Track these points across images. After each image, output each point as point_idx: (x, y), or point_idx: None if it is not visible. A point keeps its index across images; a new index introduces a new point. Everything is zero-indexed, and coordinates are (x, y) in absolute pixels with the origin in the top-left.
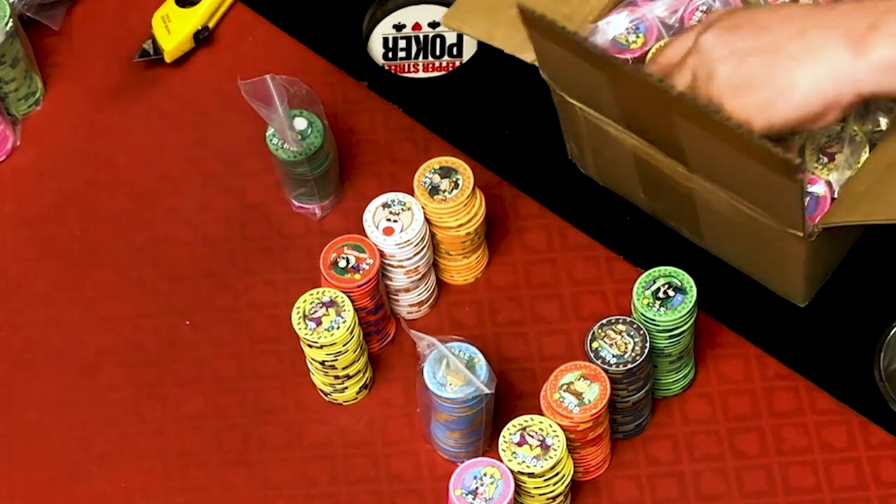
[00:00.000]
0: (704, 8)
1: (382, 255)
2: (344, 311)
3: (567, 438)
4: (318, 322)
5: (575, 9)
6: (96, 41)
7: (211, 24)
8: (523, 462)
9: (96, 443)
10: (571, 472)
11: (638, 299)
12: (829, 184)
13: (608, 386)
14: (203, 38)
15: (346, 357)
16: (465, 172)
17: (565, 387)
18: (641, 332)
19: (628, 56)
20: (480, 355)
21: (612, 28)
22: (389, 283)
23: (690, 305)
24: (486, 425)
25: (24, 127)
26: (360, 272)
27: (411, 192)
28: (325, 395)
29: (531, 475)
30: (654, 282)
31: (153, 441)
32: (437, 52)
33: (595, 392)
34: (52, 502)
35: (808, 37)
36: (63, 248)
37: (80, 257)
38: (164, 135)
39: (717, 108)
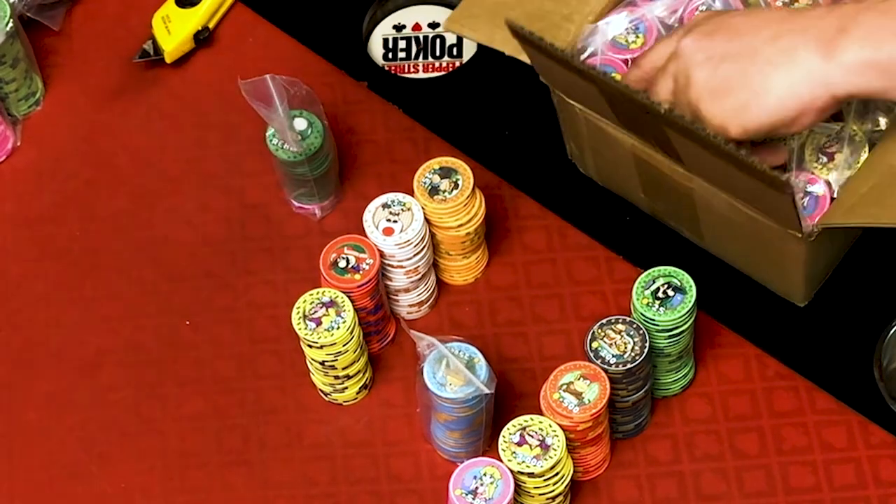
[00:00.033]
0: (704, 8)
1: (382, 255)
2: (344, 311)
3: (567, 438)
4: (318, 322)
5: (574, 9)
6: (96, 41)
7: (211, 25)
8: (523, 462)
9: (96, 443)
10: (571, 471)
11: (637, 299)
12: (828, 184)
13: (608, 386)
14: (203, 38)
15: (346, 357)
16: (464, 173)
17: (565, 387)
18: (641, 331)
19: (628, 56)
20: (480, 355)
21: (612, 28)
22: (389, 283)
23: (690, 305)
24: (486, 425)
25: (24, 127)
26: (360, 272)
27: (411, 193)
28: (325, 395)
29: (531, 475)
30: (654, 282)
31: (153, 441)
32: (437, 53)
33: (595, 392)
34: (52, 502)
35: (782, 41)
36: (63, 248)
37: (80, 257)
38: (164, 135)
39: (704, 126)
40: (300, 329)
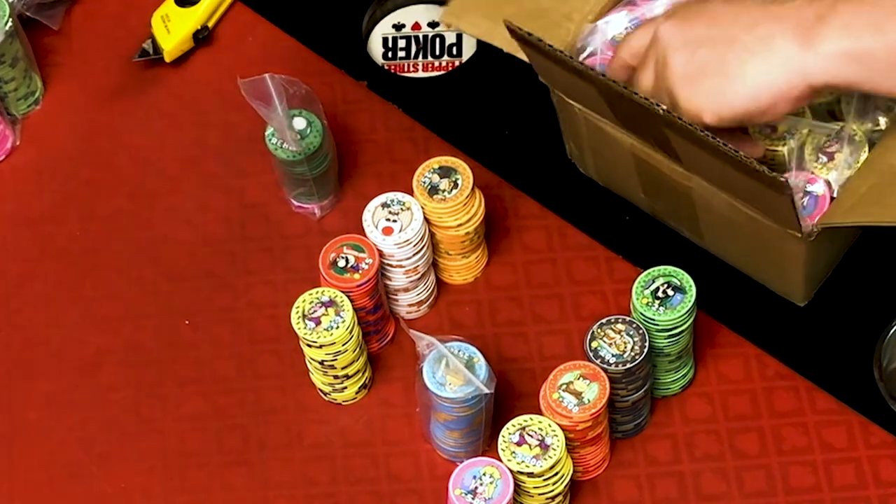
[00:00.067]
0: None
1: (382, 254)
2: (343, 310)
3: (566, 438)
4: (318, 322)
5: (574, 7)
6: (96, 41)
7: (210, 24)
8: (523, 462)
9: (96, 443)
10: (570, 471)
11: (637, 299)
12: (828, 183)
13: (607, 385)
14: (203, 37)
15: (346, 357)
16: (464, 172)
17: (565, 386)
18: (641, 331)
19: None
20: (480, 355)
21: (612, 27)
22: (389, 282)
23: (690, 305)
24: (486, 425)
25: (24, 126)
26: (360, 272)
27: (411, 192)
28: (325, 394)
29: (530, 475)
30: (654, 281)
31: (153, 441)
32: (437, 52)
33: (594, 391)
34: (52, 502)
35: (759, 29)
36: (63, 248)
37: (80, 257)
38: (164, 134)
39: (679, 113)
40: (299, 329)
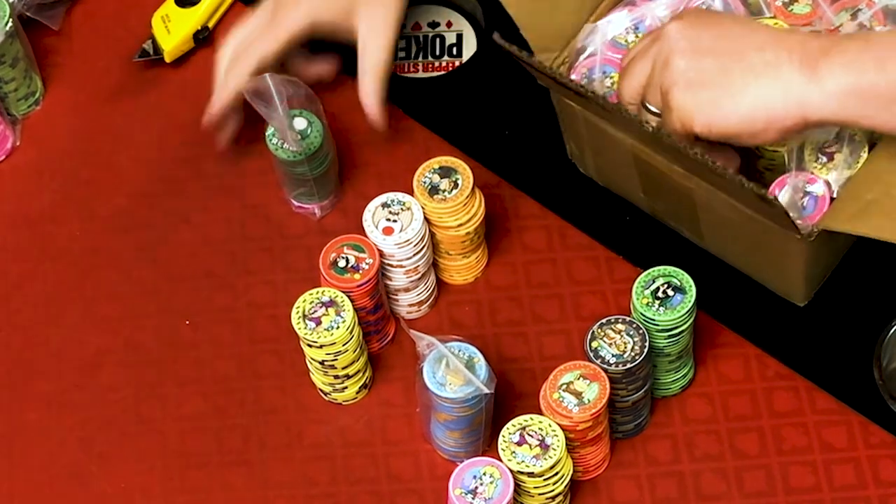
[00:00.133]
0: (703, 7)
1: (382, 254)
2: (343, 310)
3: (566, 438)
4: (318, 322)
5: (568, 5)
6: (96, 41)
7: (211, 24)
8: (523, 461)
9: (96, 443)
10: (571, 471)
11: (637, 299)
12: (828, 183)
13: (607, 385)
14: (203, 38)
15: (346, 357)
16: (464, 172)
17: (565, 386)
18: (641, 331)
19: None
20: (480, 355)
21: (612, 28)
22: (389, 282)
23: (690, 305)
24: (486, 425)
25: (24, 127)
26: (360, 272)
27: (411, 192)
28: (325, 394)
29: (531, 475)
30: (654, 281)
31: (153, 441)
32: (437, 52)
33: (594, 391)
34: (52, 502)
35: (768, 52)
36: (63, 248)
37: (80, 257)
38: (164, 135)
39: (668, 113)
40: (300, 329)
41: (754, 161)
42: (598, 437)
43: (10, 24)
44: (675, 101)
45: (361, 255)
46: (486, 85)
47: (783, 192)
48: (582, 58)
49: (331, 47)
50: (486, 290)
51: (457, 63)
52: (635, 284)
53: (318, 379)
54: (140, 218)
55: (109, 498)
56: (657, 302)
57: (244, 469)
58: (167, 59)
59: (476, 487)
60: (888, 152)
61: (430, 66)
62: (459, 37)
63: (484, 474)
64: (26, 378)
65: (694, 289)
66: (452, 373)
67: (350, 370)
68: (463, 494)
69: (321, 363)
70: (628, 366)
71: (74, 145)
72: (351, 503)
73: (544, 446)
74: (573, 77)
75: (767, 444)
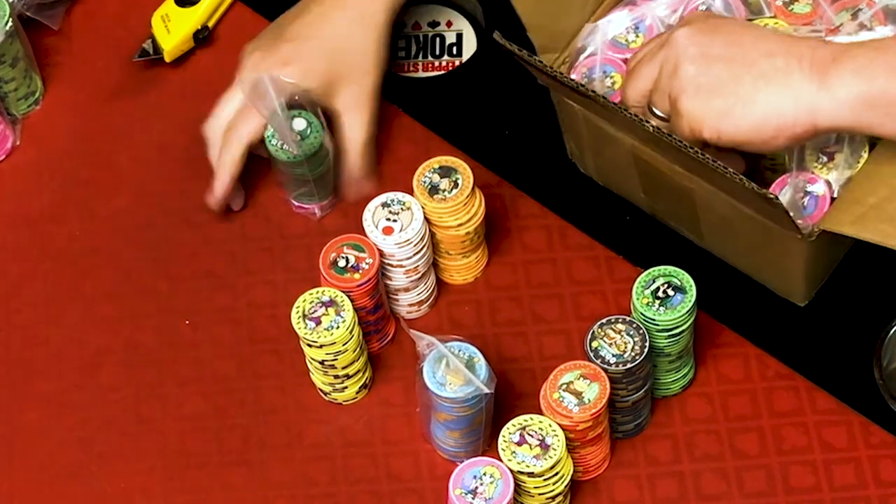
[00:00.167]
0: (704, 7)
1: (382, 254)
2: (343, 310)
3: (567, 438)
4: (318, 322)
5: (574, 6)
6: (96, 41)
7: (211, 24)
8: (523, 461)
9: (96, 443)
10: (571, 471)
11: (637, 299)
12: (828, 183)
13: (608, 385)
14: (203, 37)
15: (346, 356)
16: (464, 172)
17: (565, 386)
18: (641, 331)
19: (628, 55)
20: (480, 355)
21: (613, 27)
22: (389, 282)
23: (690, 305)
24: (486, 425)
25: (24, 126)
26: (360, 272)
27: (411, 192)
28: (325, 394)
29: (531, 475)
30: (654, 281)
31: (153, 441)
32: (437, 52)
33: (595, 391)
34: (52, 502)
35: (778, 59)
36: (63, 248)
37: (80, 257)
38: (164, 135)
39: (677, 119)
40: (300, 328)
41: (758, 162)
42: (599, 437)
43: (10, 23)
44: (684, 108)
45: (361, 254)
46: (486, 85)
47: (784, 192)
48: (582, 57)
49: None
50: (486, 289)
51: (457, 63)
52: (635, 284)
53: (318, 379)
54: (140, 218)
55: (109, 498)
56: (657, 302)
57: (244, 469)
58: (167, 59)
59: (476, 487)
60: (891, 153)
61: (430, 65)
62: (459, 36)
63: (484, 474)
64: (26, 378)
65: (694, 289)
66: (452, 373)
67: (350, 370)
68: (463, 494)
69: (321, 363)
70: (628, 366)
71: (74, 145)
72: (351, 503)
73: (544, 446)
74: (573, 76)
75: (767, 444)
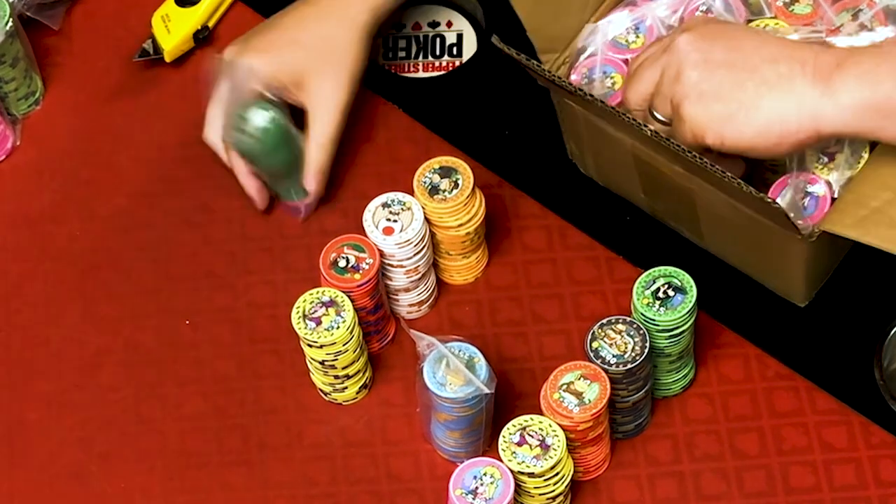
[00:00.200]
0: (704, 8)
1: (382, 254)
2: (344, 310)
3: (567, 438)
4: (318, 322)
5: (574, 7)
6: (96, 41)
7: (211, 24)
8: (523, 462)
9: (96, 443)
10: (571, 471)
11: (638, 299)
12: (828, 184)
13: (608, 386)
14: (203, 37)
15: (346, 357)
16: (464, 172)
17: (565, 386)
18: (641, 331)
19: (628, 56)
20: (480, 355)
21: (613, 28)
22: (389, 282)
23: (690, 305)
24: (486, 425)
25: (24, 126)
26: (360, 272)
27: (411, 192)
28: (325, 394)
29: (531, 475)
30: (654, 282)
31: (153, 441)
32: (437, 52)
33: (595, 392)
34: (52, 502)
35: (781, 65)
36: (63, 248)
37: (80, 257)
38: (164, 135)
39: (680, 125)
40: (300, 329)
41: (758, 164)
42: (599, 437)
43: (10, 23)
44: (686, 114)
45: (361, 254)
46: (486, 85)
47: (784, 193)
48: (582, 58)
49: None
50: (487, 290)
51: (457, 63)
52: (636, 285)
53: (318, 379)
54: (140, 218)
55: (109, 498)
56: (658, 302)
57: (244, 469)
58: (167, 59)
59: (476, 488)
60: (891, 154)
61: (430, 65)
62: (459, 37)
63: (484, 474)
64: (26, 378)
65: (694, 289)
66: (453, 373)
67: (350, 370)
68: (463, 495)
69: (321, 363)
70: (629, 366)
71: (74, 145)
72: (351, 503)
73: (545, 446)
74: (573, 77)
75: (768, 444)
